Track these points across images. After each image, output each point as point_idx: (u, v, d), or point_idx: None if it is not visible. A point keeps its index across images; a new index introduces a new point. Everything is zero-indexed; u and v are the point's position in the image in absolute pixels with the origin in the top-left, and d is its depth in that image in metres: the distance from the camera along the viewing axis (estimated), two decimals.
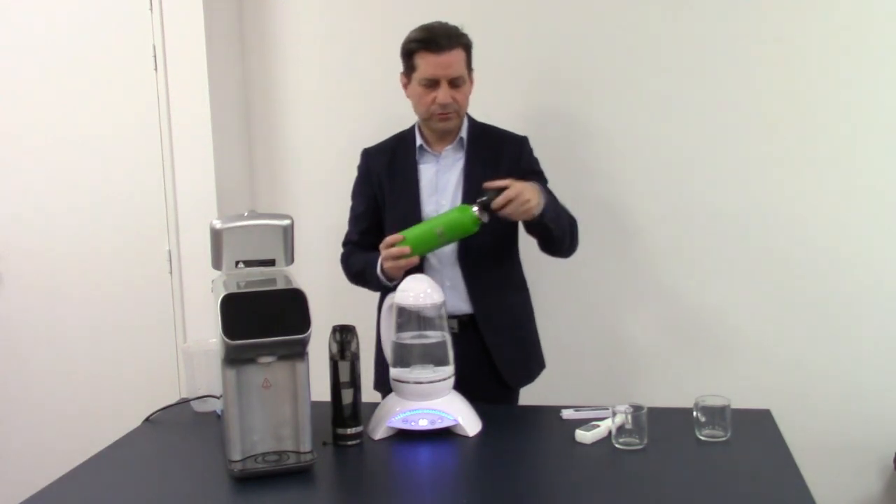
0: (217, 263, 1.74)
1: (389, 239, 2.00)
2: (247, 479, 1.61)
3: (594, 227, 2.71)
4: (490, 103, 2.34)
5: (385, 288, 2.10)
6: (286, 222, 1.74)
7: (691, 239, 2.70)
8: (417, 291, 1.84)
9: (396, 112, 2.31)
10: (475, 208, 1.96)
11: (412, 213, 2.15)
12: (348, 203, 2.37)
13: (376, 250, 2.06)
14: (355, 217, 2.29)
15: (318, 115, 2.90)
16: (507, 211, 1.94)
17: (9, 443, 2.99)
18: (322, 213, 2.89)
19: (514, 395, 2.27)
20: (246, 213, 1.76)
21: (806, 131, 2.61)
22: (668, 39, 2.65)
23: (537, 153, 2.27)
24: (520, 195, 1.93)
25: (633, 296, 2.77)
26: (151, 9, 2.74)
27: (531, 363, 2.29)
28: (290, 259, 1.77)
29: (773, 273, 2.67)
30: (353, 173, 2.35)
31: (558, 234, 2.08)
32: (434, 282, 1.90)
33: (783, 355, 2.69)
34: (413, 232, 2.01)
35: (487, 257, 2.15)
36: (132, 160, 2.82)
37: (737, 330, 2.71)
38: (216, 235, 1.71)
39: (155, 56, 2.76)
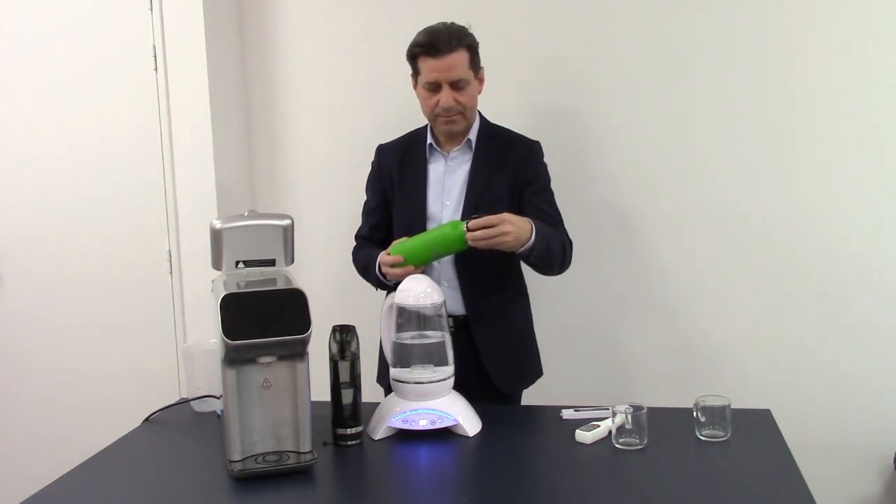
0: (217, 263, 1.75)
1: (388, 259, 2.01)
2: (247, 479, 1.61)
3: (596, 227, 2.72)
4: (495, 103, 2.32)
5: (385, 286, 2.13)
6: (286, 222, 1.74)
7: (692, 238, 2.70)
8: (417, 291, 1.84)
9: (397, 111, 2.31)
10: (465, 225, 1.94)
11: (419, 212, 2.16)
12: (348, 202, 2.37)
13: (385, 246, 2.08)
14: (367, 212, 2.31)
15: (318, 114, 2.90)
16: (477, 236, 1.91)
17: (9, 443, 2.99)
18: (322, 213, 2.89)
19: (510, 399, 2.22)
20: (246, 213, 1.76)
21: (811, 135, 2.60)
22: (677, 39, 2.64)
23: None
24: (501, 224, 1.91)
25: (634, 295, 2.77)
26: (151, 9, 2.74)
27: (524, 370, 2.26)
28: (290, 259, 1.77)
29: (773, 273, 2.67)
30: (354, 173, 2.35)
31: (540, 266, 2.10)
32: (433, 282, 1.90)
33: (783, 355, 2.68)
34: (409, 244, 2.02)
35: (485, 259, 2.13)
36: (132, 160, 2.82)
37: (737, 330, 2.71)
38: (216, 235, 1.71)
39: (155, 56, 2.76)
